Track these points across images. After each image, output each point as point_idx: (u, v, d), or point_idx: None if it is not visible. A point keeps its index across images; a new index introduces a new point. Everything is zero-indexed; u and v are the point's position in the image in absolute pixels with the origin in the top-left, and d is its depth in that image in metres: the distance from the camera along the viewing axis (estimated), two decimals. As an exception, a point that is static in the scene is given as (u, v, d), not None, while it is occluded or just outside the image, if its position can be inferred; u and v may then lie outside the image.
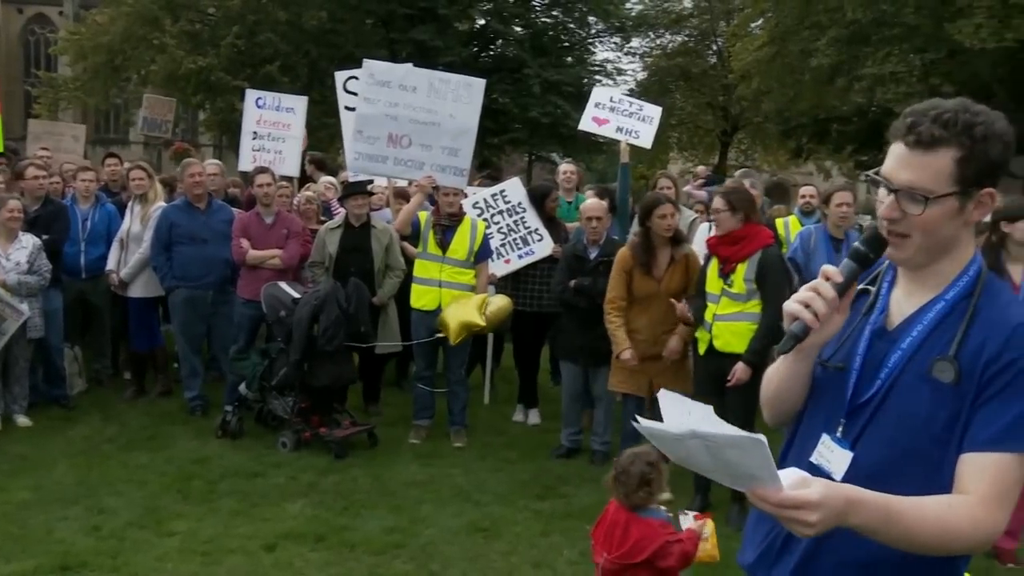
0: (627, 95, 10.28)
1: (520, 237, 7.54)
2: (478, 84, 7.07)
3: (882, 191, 1.77)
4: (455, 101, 6.90)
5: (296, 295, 6.61)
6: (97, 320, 8.11)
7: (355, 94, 7.85)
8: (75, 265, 7.68)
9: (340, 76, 9.13)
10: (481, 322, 6.54)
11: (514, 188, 7.84)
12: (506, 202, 7.67)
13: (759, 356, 5.18)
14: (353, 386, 7.22)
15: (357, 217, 7.09)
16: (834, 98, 21.09)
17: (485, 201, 7.69)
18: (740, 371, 5.21)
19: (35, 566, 4.55)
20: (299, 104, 9.07)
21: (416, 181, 7.04)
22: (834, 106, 21.96)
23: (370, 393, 7.64)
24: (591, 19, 31.75)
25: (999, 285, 1.82)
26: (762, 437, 1.48)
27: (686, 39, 34.57)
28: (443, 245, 6.64)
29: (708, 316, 5.47)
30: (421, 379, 6.96)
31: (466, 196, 7.41)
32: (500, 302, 7.17)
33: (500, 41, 30.69)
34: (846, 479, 1.75)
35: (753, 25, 26.03)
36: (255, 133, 8.84)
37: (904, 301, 1.85)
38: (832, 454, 1.84)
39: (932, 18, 17.69)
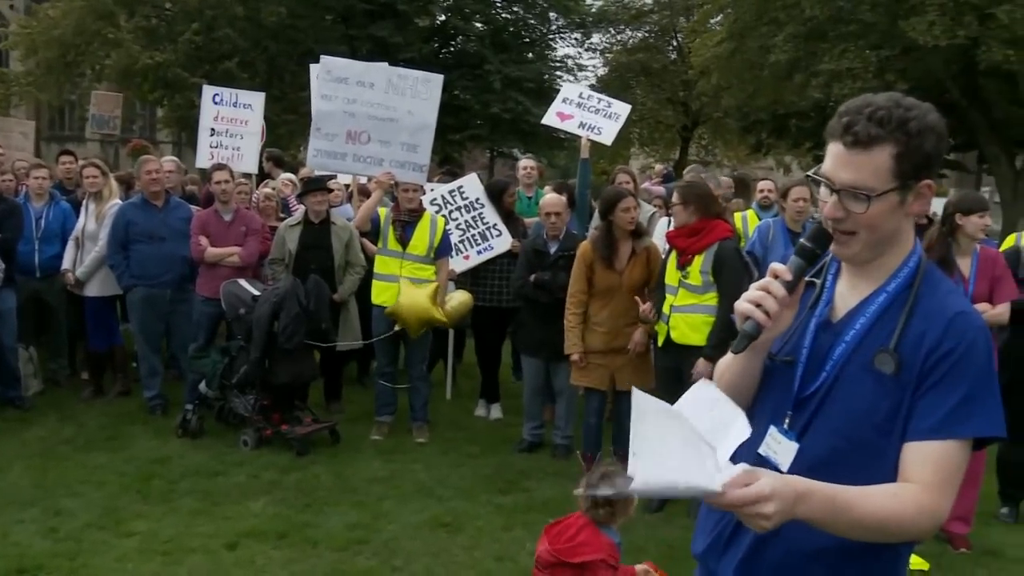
0: (596, 91, 10.31)
1: (479, 233, 7.55)
2: (436, 80, 7.08)
3: (824, 190, 1.80)
4: (413, 97, 6.90)
5: (256, 292, 6.58)
6: (52, 320, 7.99)
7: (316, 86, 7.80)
8: (29, 264, 7.56)
9: (315, 69, 9.06)
10: (438, 315, 6.55)
11: (472, 184, 7.85)
12: (464, 198, 7.67)
13: (718, 350, 5.24)
14: (314, 383, 7.22)
15: (317, 214, 7.06)
16: (792, 94, 21.32)
17: (443, 198, 7.68)
18: (701, 366, 5.27)
19: (-10, 570, 4.50)
20: (257, 100, 9.01)
21: (375, 177, 7.02)
22: (792, 101, 22.20)
23: (332, 390, 7.63)
24: (552, 15, 31.77)
25: (938, 276, 1.86)
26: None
27: (646, 35, 34.71)
28: (403, 241, 6.64)
29: (666, 308, 5.53)
30: (383, 375, 6.95)
31: (425, 192, 7.41)
32: (461, 298, 7.20)
33: (460, 37, 30.58)
34: (792, 470, 1.79)
35: (712, 21, 26.22)
36: (213, 130, 8.78)
37: (848, 293, 1.89)
38: (779, 446, 1.87)
39: (887, 15, 17.97)
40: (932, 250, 5.20)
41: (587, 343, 5.96)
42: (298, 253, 6.98)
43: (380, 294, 6.70)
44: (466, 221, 7.57)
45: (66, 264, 7.58)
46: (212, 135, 8.77)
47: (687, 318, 5.44)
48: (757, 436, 1.91)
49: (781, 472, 1.78)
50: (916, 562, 4.97)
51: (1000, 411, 1.74)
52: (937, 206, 8.79)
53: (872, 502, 1.67)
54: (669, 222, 7.71)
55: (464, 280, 7.58)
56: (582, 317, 5.99)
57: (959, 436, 1.71)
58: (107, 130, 14.01)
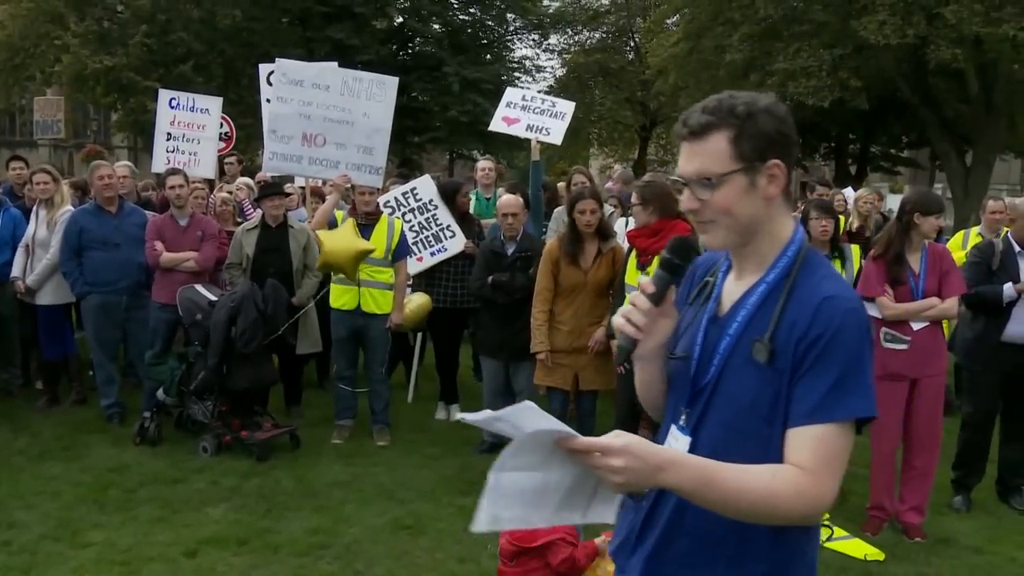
0: (543, 92, 10.37)
1: (432, 234, 7.54)
2: (391, 82, 7.07)
3: (686, 193, 1.87)
4: (368, 99, 6.88)
5: (213, 298, 6.52)
6: (4, 329, 7.83)
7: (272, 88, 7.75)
8: (-22, 272, 7.43)
9: (264, 69, 9.00)
10: (364, 244, 6.51)
11: (425, 186, 7.84)
12: (417, 200, 7.66)
13: None
14: (274, 388, 7.16)
15: (274, 218, 7.02)
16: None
17: (396, 200, 7.67)
18: None
19: (-58, 584, 4.42)
20: (214, 105, 8.93)
21: (331, 180, 7.00)
22: (748, 101, 22.46)
23: (291, 394, 7.58)
24: (509, 16, 31.91)
25: (817, 262, 1.88)
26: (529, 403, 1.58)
27: (604, 35, 34.98)
28: (361, 244, 6.62)
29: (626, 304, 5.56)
30: (342, 379, 6.92)
31: (381, 194, 7.40)
32: (419, 300, 7.20)
33: (418, 39, 30.60)
34: None
35: (668, 21, 26.46)
36: (169, 134, 8.68)
37: (733, 287, 1.93)
38: (677, 442, 1.91)
39: (839, 15, 18.28)
40: (890, 246, 5.29)
41: (552, 342, 5.98)
42: (256, 257, 6.93)
43: (339, 297, 6.68)
44: (419, 223, 7.57)
45: (15, 272, 7.44)
46: (168, 140, 8.68)
47: None
48: (663, 435, 2.00)
49: None
50: (871, 552, 5.07)
51: (872, 392, 1.77)
52: (892, 202, 9.01)
53: (748, 479, 1.69)
54: (627, 222, 7.78)
55: (418, 282, 7.58)
56: (548, 315, 6.01)
57: (834, 419, 1.73)
58: (51, 134, 13.83)
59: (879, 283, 5.30)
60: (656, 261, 5.33)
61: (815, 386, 1.73)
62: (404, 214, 7.51)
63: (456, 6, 31.18)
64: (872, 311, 5.36)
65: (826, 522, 5.37)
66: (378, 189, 7.01)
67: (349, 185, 6.88)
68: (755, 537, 1.80)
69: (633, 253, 5.62)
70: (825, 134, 27.98)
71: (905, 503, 5.40)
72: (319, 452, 6.58)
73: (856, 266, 5.91)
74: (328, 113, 6.85)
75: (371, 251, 6.55)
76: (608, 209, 7.93)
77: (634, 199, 5.57)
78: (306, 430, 6.91)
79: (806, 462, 1.71)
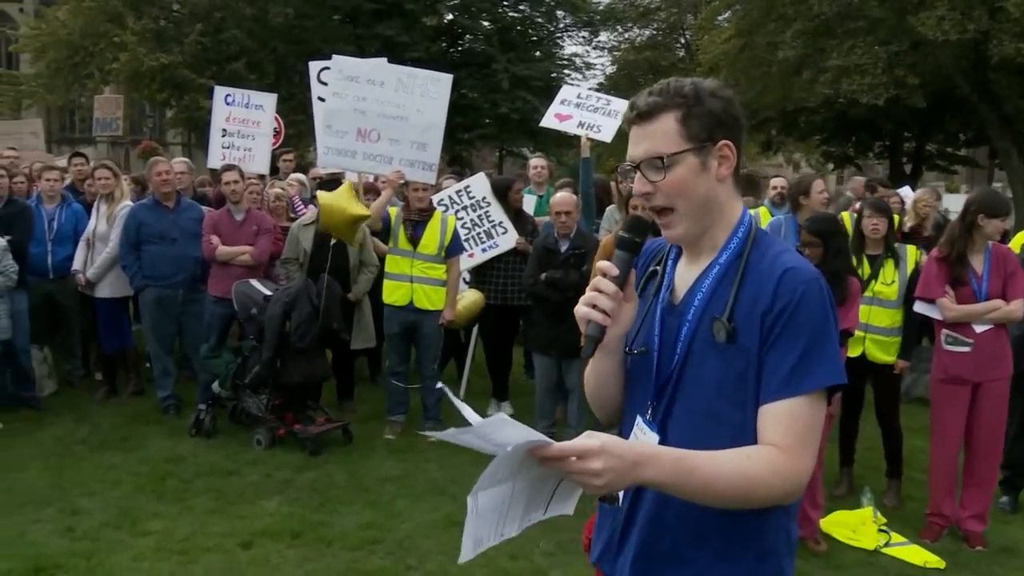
0: (595, 90, 10.33)
1: (484, 231, 7.55)
2: (445, 79, 7.08)
3: (633, 179, 1.84)
4: (423, 96, 6.89)
5: (267, 292, 6.59)
6: (66, 321, 8.02)
7: (328, 85, 7.80)
8: (42, 266, 7.58)
9: (314, 67, 9.07)
10: (359, 209, 6.61)
11: (479, 183, 7.85)
12: (471, 197, 7.68)
13: None
14: (327, 382, 7.23)
15: None
16: (801, 90, 21.28)
17: (450, 198, 7.70)
18: None
19: (8, 569, 4.51)
20: (268, 101, 9.02)
21: (385, 176, 7.04)
22: (801, 98, 22.18)
23: (344, 389, 7.64)
24: (559, 13, 31.84)
25: (769, 239, 1.87)
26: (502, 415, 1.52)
27: (654, 33, 34.74)
28: (414, 240, 6.65)
29: None
30: (395, 374, 6.96)
31: (436, 191, 7.43)
32: (472, 297, 7.21)
33: (468, 36, 30.67)
34: None
35: (720, 18, 26.19)
36: (224, 130, 8.78)
37: (686, 273, 1.91)
38: (645, 436, 1.87)
39: (896, 10, 17.92)
40: (952, 247, 5.17)
41: None
42: (313, 252, 7.00)
43: (391, 293, 6.71)
44: (472, 220, 7.58)
45: (76, 265, 7.61)
46: (224, 136, 8.78)
47: None
48: (627, 430, 1.95)
49: None
50: (932, 560, 4.96)
51: (839, 358, 1.74)
52: (949, 202, 8.85)
53: (722, 464, 1.65)
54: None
55: (469, 278, 7.60)
56: None
57: (804, 391, 1.70)
58: (110, 132, 14.08)
59: (940, 284, 5.18)
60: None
61: (782, 360, 1.71)
62: (457, 211, 7.52)
63: (506, 3, 31.19)
64: (933, 313, 5.26)
65: (883, 527, 5.28)
66: (431, 185, 7.03)
67: (402, 181, 6.91)
68: (740, 524, 1.78)
69: None
70: (879, 132, 27.47)
71: (966, 510, 5.28)
72: (371, 447, 6.62)
73: (910, 267, 5.80)
74: (383, 109, 6.88)
75: (366, 217, 6.63)
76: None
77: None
78: (358, 425, 6.96)
79: (779, 439, 1.69)
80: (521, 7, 31.33)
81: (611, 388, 1.98)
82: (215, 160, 8.75)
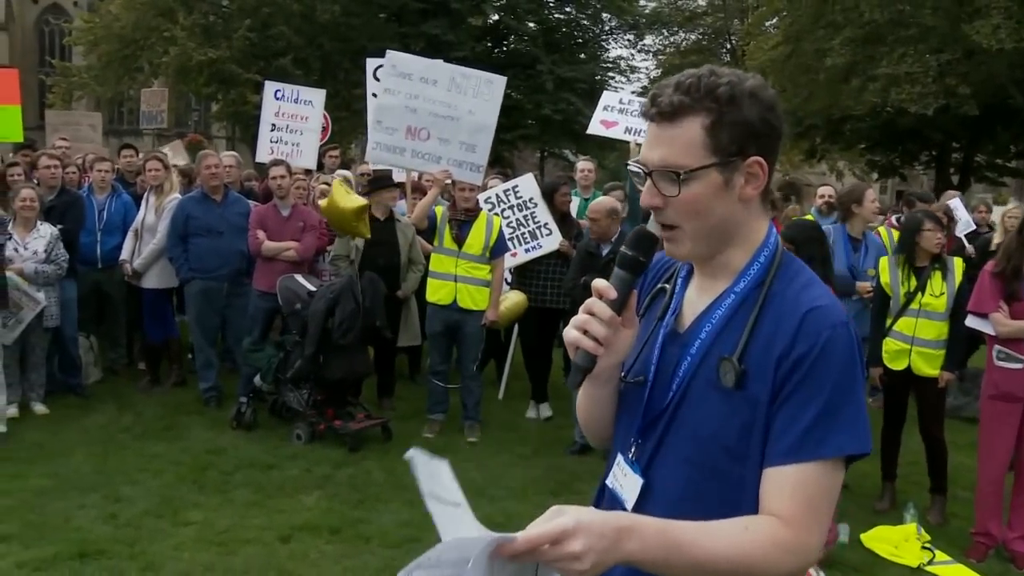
0: (637, 94, 10.31)
1: (529, 231, 7.55)
2: (499, 81, 7.08)
3: (643, 182, 1.57)
4: (475, 97, 6.90)
5: (311, 288, 6.63)
6: (112, 310, 8.14)
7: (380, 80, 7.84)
8: (91, 255, 7.70)
9: (371, 63, 9.12)
10: (348, 202, 6.69)
11: (527, 184, 7.85)
12: (518, 197, 7.68)
13: None
14: (367, 380, 7.25)
15: (383, 211, 7.12)
16: (848, 98, 21.03)
17: (497, 196, 7.71)
18: None
19: (54, 553, 4.58)
20: (317, 97, 9.09)
21: (433, 175, 7.05)
22: (848, 106, 21.91)
23: (384, 387, 7.66)
24: (605, 16, 31.75)
25: (797, 267, 1.60)
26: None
27: (699, 37, 34.54)
28: (459, 240, 6.66)
29: None
30: (435, 374, 6.97)
31: (482, 191, 7.44)
32: (515, 298, 7.21)
33: (513, 37, 30.68)
34: (643, 507, 1.57)
35: (767, 24, 25.98)
36: (273, 125, 8.86)
37: (696, 299, 1.64)
38: (625, 479, 1.64)
39: (949, 18, 17.66)
40: (1008, 261, 5.07)
41: None
42: (365, 250, 7.04)
43: (435, 292, 6.72)
44: (517, 220, 7.58)
45: (124, 255, 7.72)
46: (272, 130, 8.86)
47: None
48: (608, 467, 1.73)
49: (626, 510, 1.57)
50: (979, 580, 4.87)
51: (865, 422, 1.48)
52: (998, 215, 8.64)
53: (717, 539, 1.40)
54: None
55: (511, 279, 7.60)
56: None
57: (819, 457, 1.44)
58: (155, 125, 14.29)
59: (994, 299, 5.08)
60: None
61: (797, 417, 1.45)
62: (503, 210, 7.53)
63: (552, 4, 31.17)
64: (985, 327, 5.16)
65: (927, 544, 5.19)
66: (478, 186, 7.03)
67: (450, 181, 6.92)
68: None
69: None
70: (927, 141, 27.04)
71: (1014, 530, 5.16)
72: (410, 445, 6.39)
73: (958, 278, 5.69)
74: (434, 108, 6.89)
75: (366, 206, 6.70)
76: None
77: None
78: (397, 423, 6.98)
79: (784, 510, 1.43)
80: (567, 9, 31.31)
81: (604, 414, 1.73)
82: (263, 155, 8.83)
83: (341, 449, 6.41)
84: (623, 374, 1.65)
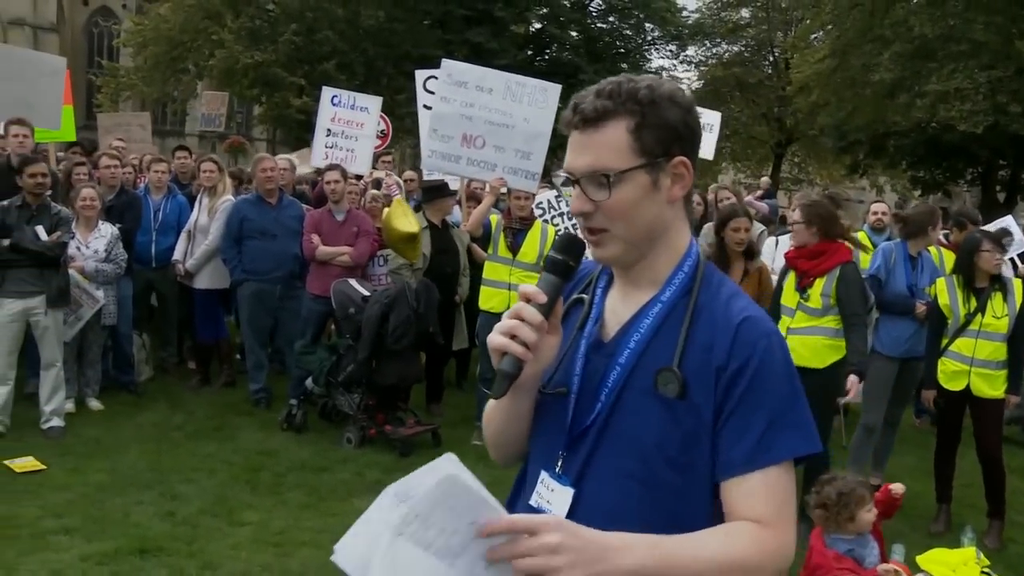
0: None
1: None
2: (553, 89, 7.09)
3: (575, 191, 1.57)
4: (530, 105, 6.92)
5: (366, 293, 6.67)
6: (164, 309, 8.25)
7: (433, 93, 7.89)
8: (146, 254, 7.81)
9: (420, 75, 9.19)
10: (406, 227, 6.79)
11: None
12: (568, 205, 7.70)
13: (862, 364, 5.21)
14: (416, 385, 7.27)
15: (440, 219, 7.18)
16: (895, 113, 20.80)
17: (548, 202, 7.73)
18: (851, 383, 5.17)
19: (115, 548, 4.64)
20: (374, 104, 9.15)
21: (488, 183, 7.07)
22: (894, 121, 21.68)
23: (433, 393, 7.68)
24: (647, 26, 31.70)
25: (719, 278, 1.63)
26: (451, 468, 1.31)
27: (742, 49, 34.36)
28: (513, 248, 6.67)
29: (782, 329, 5.42)
30: (485, 381, 6.96)
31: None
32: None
33: (555, 46, 30.72)
34: (571, 520, 1.50)
35: (813, 36, 25.78)
36: (329, 130, 8.94)
37: (620, 307, 1.63)
38: (552, 494, 1.60)
39: (1001, 35, 17.43)
40: None
41: None
42: (432, 256, 7.09)
43: (488, 299, 6.73)
44: (567, 228, 7.59)
45: (177, 255, 7.80)
46: (328, 135, 8.93)
47: (805, 340, 5.32)
48: (530, 485, 1.68)
49: None
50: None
51: (812, 423, 1.53)
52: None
53: (703, 549, 1.44)
54: (776, 242, 7.59)
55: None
56: None
57: (777, 460, 1.49)
58: (213, 127, 14.48)
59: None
60: (818, 284, 5.23)
61: (750, 426, 1.48)
62: (552, 217, 7.54)
63: (595, 14, 31.19)
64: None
65: (986, 569, 5.10)
66: (533, 194, 7.04)
67: (505, 189, 6.93)
68: None
69: (791, 273, 5.49)
70: (974, 159, 26.67)
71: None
72: (460, 452, 6.42)
73: (1019, 300, 5.62)
74: (489, 116, 6.91)
75: (416, 234, 6.77)
76: (759, 227, 7.77)
77: (798, 217, 5.43)
78: (447, 429, 6.99)
79: (761, 514, 1.48)
80: (610, 18, 31.32)
81: (518, 430, 1.69)
82: (318, 159, 8.91)
83: (391, 454, 6.44)
84: (542, 386, 1.62)
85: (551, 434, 1.62)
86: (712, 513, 1.55)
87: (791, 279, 5.48)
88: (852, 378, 5.20)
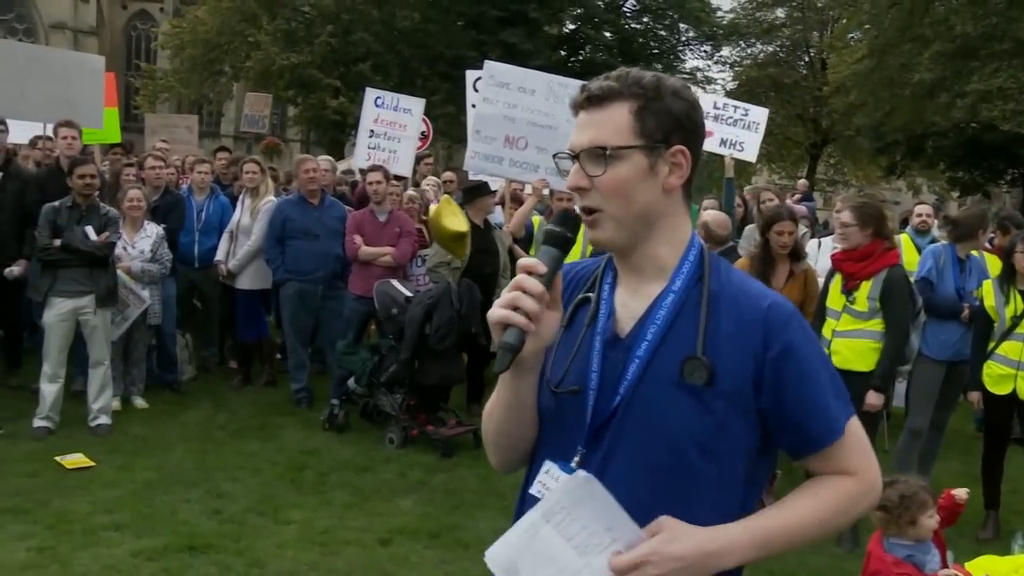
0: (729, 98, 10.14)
1: None
2: None
3: (572, 166, 1.61)
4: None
5: (408, 293, 6.70)
6: (207, 309, 8.33)
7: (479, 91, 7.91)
8: (189, 255, 7.87)
9: (471, 75, 9.21)
10: (453, 225, 6.77)
11: None
12: None
13: (886, 380, 5.15)
14: (456, 386, 7.28)
15: (482, 218, 7.19)
16: (935, 114, 20.52)
17: None
18: (872, 398, 5.13)
19: (164, 544, 4.69)
20: (417, 106, 9.21)
21: (531, 184, 7.08)
22: (933, 122, 21.39)
23: (474, 393, 7.68)
24: (682, 26, 31.57)
25: (724, 264, 1.66)
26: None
27: (777, 49, 34.09)
28: (556, 249, 6.65)
29: (827, 332, 5.37)
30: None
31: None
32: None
33: (589, 47, 30.67)
34: None
35: (850, 36, 25.51)
36: (372, 131, 8.99)
37: (631, 301, 1.63)
38: (556, 483, 1.59)
39: (1046, 33, 17.17)
40: None
41: None
42: (472, 256, 7.10)
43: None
44: None
45: (219, 256, 7.87)
46: (371, 136, 8.99)
47: (850, 343, 5.27)
48: (533, 475, 1.69)
49: None
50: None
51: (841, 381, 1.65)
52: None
53: (797, 512, 1.58)
54: (819, 244, 7.52)
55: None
56: None
57: (845, 424, 1.60)
58: (257, 129, 14.64)
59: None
60: (865, 287, 5.16)
61: (816, 401, 1.57)
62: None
63: (628, 15, 31.10)
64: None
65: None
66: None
67: (546, 190, 6.94)
68: None
69: (837, 276, 5.42)
70: (1015, 159, 26.27)
71: None
72: None
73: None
74: (532, 117, 6.92)
75: (465, 233, 6.74)
76: (802, 228, 7.70)
77: (850, 219, 5.35)
78: (487, 430, 6.99)
79: (850, 467, 1.60)
80: (644, 19, 31.22)
81: (523, 423, 1.67)
82: (361, 160, 8.97)
83: (433, 454, 6.46)
84: (554, 386, 1.62)
85: (567, 432, 1.61)
86: (744, 499, 1.59)
87: (837, 281, 5.43)
88: (871, 395, 5.18)
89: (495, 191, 7.76)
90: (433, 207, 7.04)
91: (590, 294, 1.67)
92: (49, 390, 6.37)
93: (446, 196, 7.13)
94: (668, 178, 1.58)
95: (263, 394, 7.91)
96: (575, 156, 1.58)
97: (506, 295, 1.51)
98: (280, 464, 6.16)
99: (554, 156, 1.73)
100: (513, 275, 1.51)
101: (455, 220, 6.75)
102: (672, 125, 1.57)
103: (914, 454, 6.11)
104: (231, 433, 6.79)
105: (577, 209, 1.63)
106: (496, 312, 1.50)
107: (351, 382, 6.92)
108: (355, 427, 6.99)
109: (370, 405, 7.01)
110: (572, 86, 7.04)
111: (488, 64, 7.34)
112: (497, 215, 7.82)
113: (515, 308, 1.48)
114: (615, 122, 1.55)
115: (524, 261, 1.53)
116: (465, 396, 7.64)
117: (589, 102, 1.58)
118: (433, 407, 6.77)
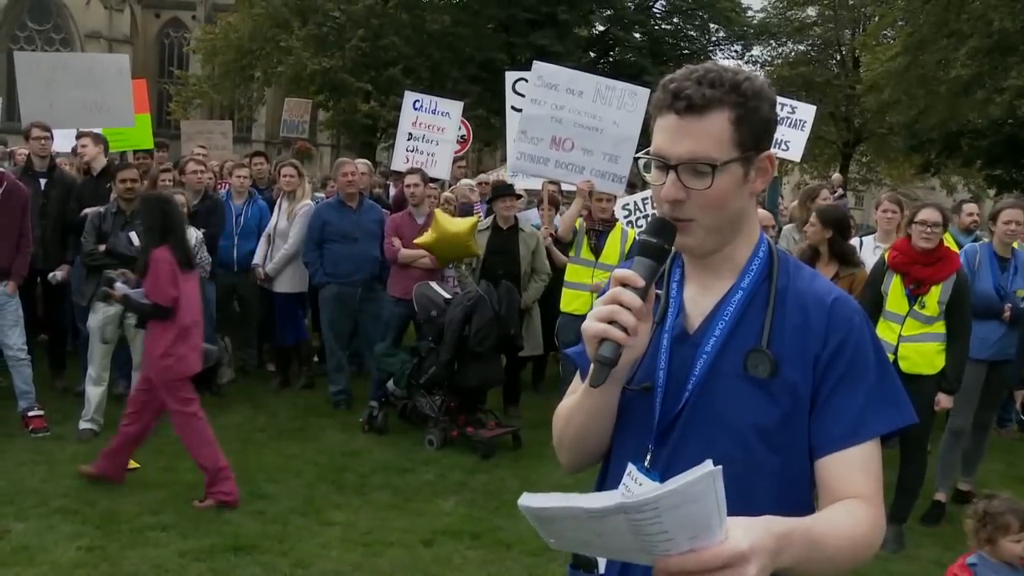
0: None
1: None
2: (642, 93, 7.03)
3: (655, 173, 1.55)
4: (619, 108, 6.88)
5: (448, 296, 6.71)
6: (245, 312, 8.38)
7: (522, 95, 7.89)
8: (228, 258, 7.93)
9: (510, 77, 9.21)
10: (474, 247, 6.90)
11: None
12: (653, 208, 7.65)
13: (956, 382, 5.17)
14: (494, 388, 7.29)
15: (505, 219, 7.15)
16: (971, 111, 20.23)
17: (635, 204, 7.70)
18: (944, 400, 5.15)
19: (210, 545, 4.73)
20: (455, 109, 9.22)
21: (577, 185, 7.05)
22: (969, 119, 21.08)
23: (511, 395, 7.68)
24: (712, 26, 31.41)
25: (794, 261, 1.65)
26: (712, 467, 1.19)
27: (808, 48, 33.83)
28: (596, 250, 6.67)
29: (892, 337, 5.23)
30: (566, 383, 6.95)
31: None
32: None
33: (619, 48, 30.60)
34: None
35: (883, 33, 25.25)
36: (410, 134, 9.02)
37: (700, 298, 1.62)
38: (640, 488, 1.54)
39: (1086, 28, 16.88)
40: None
41: None
42: (485, 258, 7.09)
43: (571, 302, 6.73)
44: None
45: (257, 259, 7.93)
46: (409, 139, 9.02)
47: (919, 347, 5.17)
48: (613, 480, 1.65)
49: None
50: None
51: (904, 394, 1.56)
52: None
53: (838, 528, 1.42)
54: (860, 243, 7.42)
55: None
56: None
57: (875, 434, 1.51)
58: (296, 134, 14.75)
59: None
60: (935, 291, 5.06)
61: (851, 401, 1.51)
62: (637, 219, 7.51)
63: (658, 15, 30.99)
64: None
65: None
66: (615, 197, 7.02)
67: (590, 192, 6.92)
68: None
69: (896, 278, 5.30)
70: (1053, 157, 25.86)
71: None
72: (541, 454, 6.61)
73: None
74: (579, 119, 6.90)
75: (476, 222, 6.79)
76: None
77: (932, 218, 5.20)
78: (526, 431, 6.97)
79: (867, 489, 1.49)
80: (674, 19, 31.10)
81: (603, 428, 1.65)
82: (399, 163, 9.00)
83: (473, 456, 6.46)
84: (626, 383, 1.60)
85: (637, 430, 1.60)
86: (808, 499, 1.57)
87: (897, 284, 5.30)
88: (941, 396, 5.18)
89: (520, 195, 7.75)
90: (427, 236, 7.05)
91: (658, 291, 1.63)
92: (94, 393, 6.45)
93: (438, 210, 7.13)
94: (755, 183, 1.57)
95: (302, 396, 7.95)
96: (672, 167, 1.51)
97: (602, 308, 1.46)
98: (321, 466, 6.19)
99: (636, 157, 1.71)
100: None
101: (457, 221, 6.75)
102: (763, 131, 1.55)
103: (956, 455, 6.03)
104: (271, 435, 6.83)
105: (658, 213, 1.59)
106: (593, 326, 1.45)
107: (390, 384, 6.94)
108: (394, 429, 7.00)
109: (408, 407, 7.03)
110: (619, 88, 7.02)
111: (537, 65, 7.30)
112: (534, 217, 7.82)
113: (611, 322, 1.44)
114: (715, 134, 1.50)
115: (619, 273, 1.48)
116: (502, 398, 7.64)
117: (688, 109, 1.50)
118: (472, 409, 6.78)
